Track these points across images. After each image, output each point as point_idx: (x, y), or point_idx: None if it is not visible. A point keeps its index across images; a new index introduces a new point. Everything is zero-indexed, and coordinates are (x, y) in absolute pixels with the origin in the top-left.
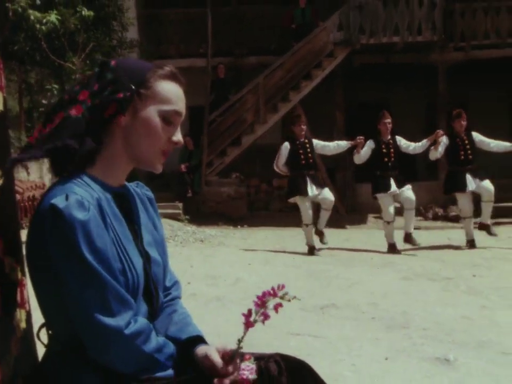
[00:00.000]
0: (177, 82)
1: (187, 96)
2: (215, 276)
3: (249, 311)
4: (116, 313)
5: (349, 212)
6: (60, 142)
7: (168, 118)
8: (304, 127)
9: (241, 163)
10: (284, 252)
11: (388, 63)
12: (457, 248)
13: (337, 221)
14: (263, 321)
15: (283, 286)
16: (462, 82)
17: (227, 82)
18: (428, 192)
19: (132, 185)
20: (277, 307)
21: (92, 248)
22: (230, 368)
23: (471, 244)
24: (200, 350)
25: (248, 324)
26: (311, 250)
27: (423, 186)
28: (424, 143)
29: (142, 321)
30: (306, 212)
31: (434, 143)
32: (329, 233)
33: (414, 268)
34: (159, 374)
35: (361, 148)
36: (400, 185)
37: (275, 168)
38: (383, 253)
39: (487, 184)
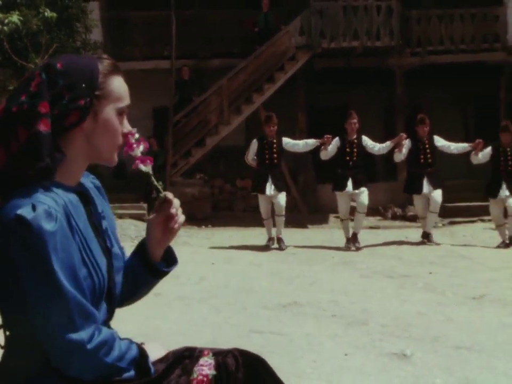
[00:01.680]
0: (120, 73)
1: (152, 98)
2: (179, 275)
3: (137, 158)
4: (80, 327)
5: (311, 212)
6: (42, 163)
7: (122, 113)
8: (274, 127)
9: (206, 164)
10: (247, 251)
11: (348, 66)
12: (415, 246)
13: (299, 220)
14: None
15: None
16: (418, 86)
17: (191, 84)
18: (386, 192)
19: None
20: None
21: (60, 261)
22: (169, 197)
23: (427, 238)
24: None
25: (129, 145)
26: (268, 242)
27: (382, 186)
28: (388, 144)
29: (105, 332)
30: (264, 208)
31: (398, 145)
32: (292, 232)
33: (373, 266)
34: (120, 378)
35: (328, 145)
36: (357, 186)
37: (246, 160)
38: (344, 251)
39: (437, 195)
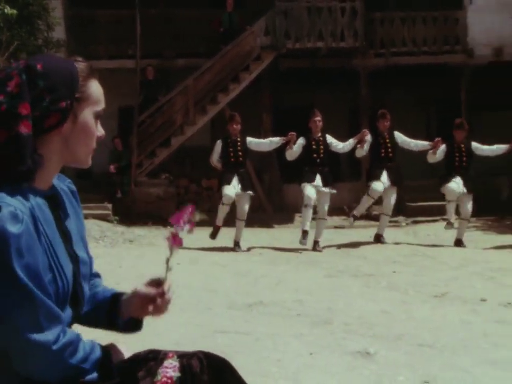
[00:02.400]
0: (96, 77)
1: (117, 97)
2: (144, 276)
3: (172, 233)
4: (45, 329)
5: (276, 212)
6: (24, 166)
7: (98, 117)
8: (237, 126)
9: (171, 164)
10: (213, 251)
11: (313, 67)
12: (379, 245)
13: (264, 220)
14: (190, 231)
15: (193, 207)
16: (382, 87)
17: (156, 84)
18: (351, 192)
19: (55, 181)
20: (191, 226)
21: (24, 263)
22: (164, 288)
23: (377, 238)
24: (126, 296)
25: (176, 243)
26: (235, 245)
27: (347, 186)
28: (351, 141)
29: (70, 333)
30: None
31: (360, 141)
32: (257, 232)
33: (337, 265)
34: (84, 379)
35: (293, 144)
36: (325, 183)
37: (210, 162)
38: (309, 251)
39: (390, 196)
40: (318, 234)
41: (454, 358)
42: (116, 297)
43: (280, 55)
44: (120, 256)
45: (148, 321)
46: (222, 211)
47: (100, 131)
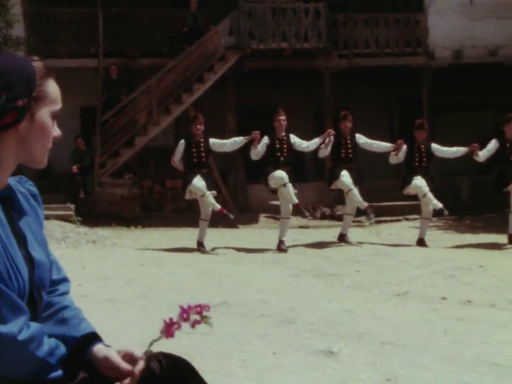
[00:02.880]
0: (53, 77)
1: (79, 96)
2: (107, 277)
3: (171, 321)
4: (8, 320)
5: (241, 212)
6: None
7: (55, 117)
8: (200, 126)
9: (135, 164)
10: (177, 251)
11: (277, 67)
12: (343, 245)
13: (229, 220)
14: (176, 329)
15: (209, 307)
16: (346, 87)
17: (119, 83)
18: (315, 192)
19: (14, 182)
20: (195, 324)
21: None
22: (136, 370)
23: (341, 238)
24: (98, 350)
25: (168, 333)
26: (199, 246)
27: (311, 186)
28: (316, 141)
29: (34, 326)
30: (205, 208)
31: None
32: (222, 232)
33: (302, 265)
34: (49, 376)
35: (258, 143)
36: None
37: (172, 163)
38: (274, 251)
39: (352, 196)
40: (282, 234)
41: (415, 356)
42: (86, 339)
43: (244, 55)
44: (82, 257)
45: (113, 319)
46: (208, 200)
47: (56, 131)
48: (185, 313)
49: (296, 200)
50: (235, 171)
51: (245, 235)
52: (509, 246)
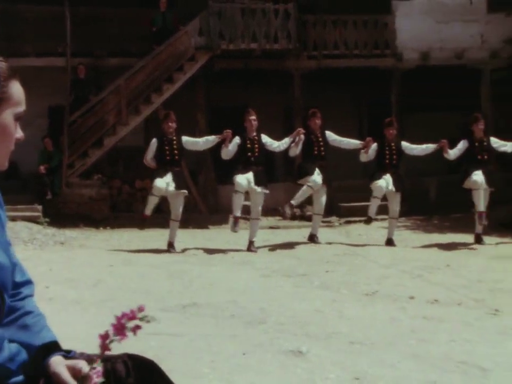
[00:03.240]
0: (18, 78)
1: (47, 96)
2: (75, 279)
3: (106, 334)
4: None
5: (211, 213)
6: None
7: (18, 119)
8: (172, 124)
9: (104, 165)
10: (147, 252)
11: (247, 68)
12: (313, 245)
13: (199, 221)
14: (119, 341)
15: (142, 308)
16: (315, 88)
17: (87, 83)
18: (286, 192)
19: None
20: (135, 329)
21: None
22: None
23: (311, 238)
24: (53, 363)
25: (104, 347)
26: (169, 247)
27: (281, 187)
28: (286, 141)
29: None
30: (176, 209)
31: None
32: (193, 233)
33: (272, 265)
34: (9, 382)
35: (229, 142)
36: (258, 183)
37: (144, 161)
38: (244, 251)
39: (321, 196)
40: (252, 235)
41: (383, 355)
42: (46, 348)
43: (214, 56)
44: (50, 259)
45: (80, 321)
46: (151, 201)
47: (19, 133)
48: (118, 323)
49: (236, 213)
50: (205, 171)
51: (215, 236)
52: (475, 245)
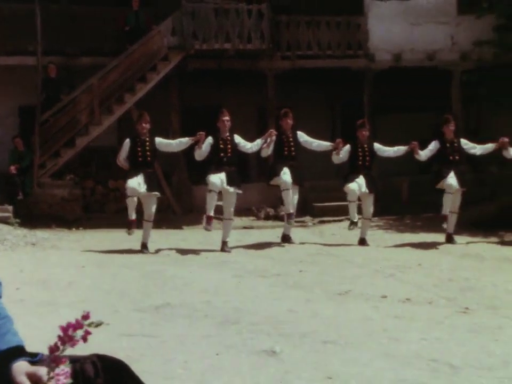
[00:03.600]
0: None
1: (17, 95)
2: (47, 280)
3: (56, 346)
4: None
5: (185, 213)
6: None
7: None
8: (146, 125)
9: (76, 165)
10: (121, 253)
11: (221, 68)
12: (287, 245)
13: (173, 221)
14: (72, 346)
15: (87, 315)
16: (289, 88)
17: (59, 82)
18: (259, 193)
19: None
20: (85, 336)
21: None
22: None
23: (284, 238)
24: (15, 369)
25: (56, 361)
26: (142, 247)
27: (255, 187)
28: (258, 142)
29: None
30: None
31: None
32: (166, 234)
33: (246, 265)
34: None
35: (203, 143)
36: (231, 183)
37: (117, 162)
38: (217, 252)
39: (293, 197)
40: (226, 235)
41: (355, 353)
42: (10, 353)
43: (187, 56)
44: (21, 260)
45: (52, 323)
46: (130, 204)
47: None
48: (64, 334)
49: (209, 213)
50: (179, 172)
51: (189, 236)
52: (448, 244)
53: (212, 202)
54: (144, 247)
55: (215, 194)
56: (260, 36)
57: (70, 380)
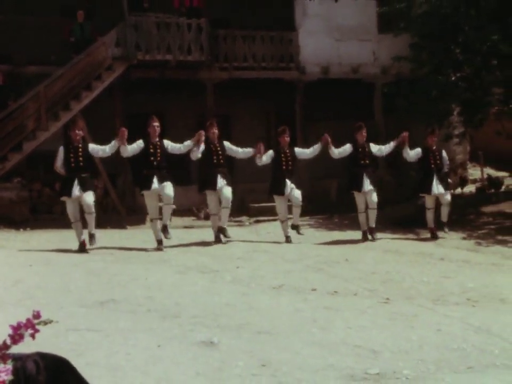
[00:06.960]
0: None
1: None
2: None
3: (5, 344)
4: None
5: (129, 214)
6: None
7: None
8: (79, 132)
9: (24, 168)
10: (66, 252)
11: (162, 78)
12: (225, 243)
13: (118, 222)
14: (16, 343)
15: (38, 315)
16: (228, 97)
17: (6, 89)
18: (200, 194)
19: None
20: (33, 334)
21: None
22: None
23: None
24: None
25: (4, 358)
26: (81, 246)
27: (195, 188)
28: (188, 143)
29: None
30: (71, 211)
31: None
32: (111, 233)
33: (186, 262)
34: None
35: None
36: (161, 181)
37: (55, 168)
38: (159, 250)
39: (226, 192)
40: (165, 219)
41: (287, 342)
42: None
43: (131, 66)
44: None
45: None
46: (76, 230)
47: None
48: (15, 333)
49: (157, 238)
50: (124, 174)
51: (132, 235)
52: (371, 241)
53: (156, 232)
54: (82, 246)
55: (157, 221)
56: (200, 48)
57: (10, 377)
